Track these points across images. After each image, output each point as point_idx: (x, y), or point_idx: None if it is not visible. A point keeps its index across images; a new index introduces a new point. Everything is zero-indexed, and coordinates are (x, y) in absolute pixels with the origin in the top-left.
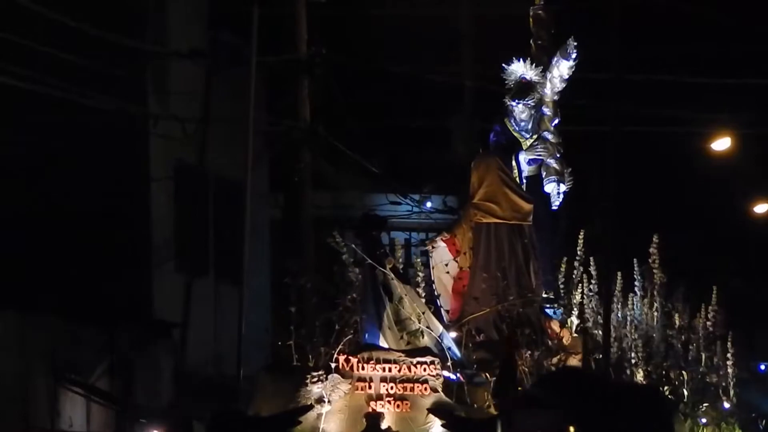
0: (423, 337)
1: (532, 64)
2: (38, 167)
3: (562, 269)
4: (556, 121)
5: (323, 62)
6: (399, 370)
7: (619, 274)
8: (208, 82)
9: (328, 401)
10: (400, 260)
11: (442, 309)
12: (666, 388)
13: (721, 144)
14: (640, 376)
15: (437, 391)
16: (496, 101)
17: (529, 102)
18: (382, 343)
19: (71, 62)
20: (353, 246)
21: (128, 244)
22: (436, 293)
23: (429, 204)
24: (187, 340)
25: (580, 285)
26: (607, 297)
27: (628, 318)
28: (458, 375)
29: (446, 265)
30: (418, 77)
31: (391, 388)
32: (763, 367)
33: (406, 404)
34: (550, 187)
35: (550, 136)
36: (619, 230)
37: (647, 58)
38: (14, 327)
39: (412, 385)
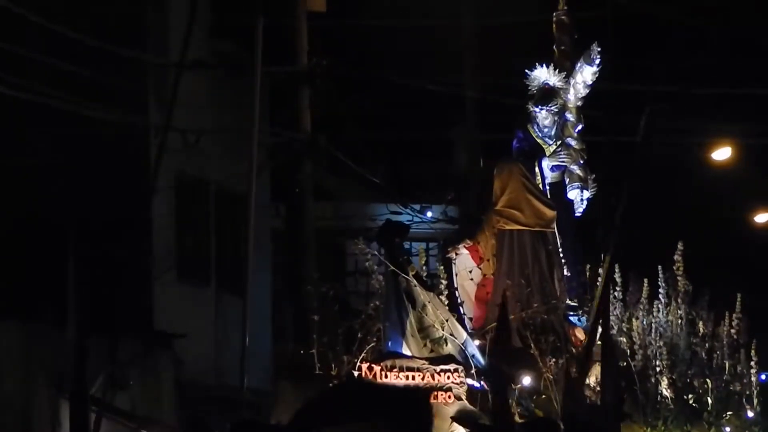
0: (446, 345)
1: (555, 69)
2: (40, 178)
3: (587, 276)
4: (580, 127)
5: (324, 73)
6: (422, 378)
7: (645, 281)
8: (209, 93)
9: None
10: (424, 268)
11: (465, 317)
12: (690, 396)
13: (722, 154)
14: (665, 384)
15: (461, 399)
16: (498, 112)
17: (552, 108)
18: (405, 351)
19: (72, 73)
20: (376, 253)
21: (130, 255)
22: (459, 301)
23: (429, 214)
24: (188, 351)
25: None
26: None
27: (654, 326)
28: (482, 383)
29: (470, 272)
30: (420, 87)
31: None
32: (764, 377)
33: None
34: (573, 194)
35: (573, 143)
36: (618, 238)
37: (652, 68)
38: (16, 337)
39: (435, 393)
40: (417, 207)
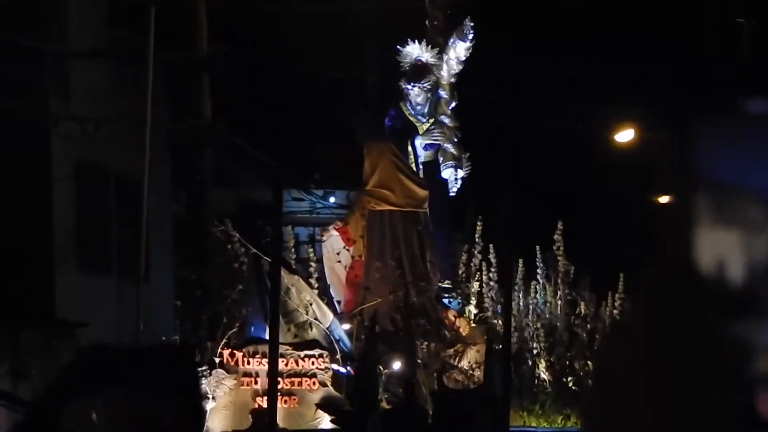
0: (311, 330)
1: (427, 45)
2: None
3: (463, 258)
4: (453, 105)
5: (223, 59)
6: (286, 364)
7: (521, 261)
8: (108, 81)
9: (213, 398)
10: (293, 252)
11: (334, 300)
12: (570, 378)
13: (625, 135)
14: (542, 367)
15: (326, 386)
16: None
17: (425, 85)
18: (268, 336)
19: None
20: (237, 235)
21: (30, 245)
22: (327, 283)
23: (332, 199)
24: (90, 340)
25: (478, 273)
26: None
27: (531, 307)
28: (348, 368)
29: (338, 254)
30: (320, 73)
31: (278, 383)
32: None
33: (294, 400)
34: (447, 173)
35: (447, 120)
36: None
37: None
38: None
39: (300, 379)
40: (320, 193)
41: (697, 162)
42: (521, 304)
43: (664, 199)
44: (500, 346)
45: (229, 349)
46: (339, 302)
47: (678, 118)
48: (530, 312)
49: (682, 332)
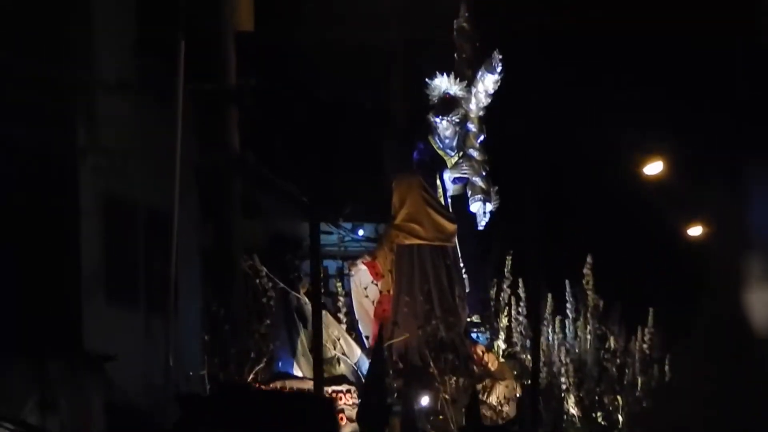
0: (339, 365)
1: (455, 78)
2: None
3: (491, 292)
4: (482, 138)
5: (252, 92)
6: None
7: (549, 296)
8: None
9: None
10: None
11: (362, 335)
12: (599, 414)
13: (654, 168)
14: (571, 402)
15: (354, 421)
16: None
17: (453, 118)
18: (296, 372)
19: None
20: (265, 270)
21: (57, 276)
22: (356, 318)
23: (361, 232)
24: (118, 373)
25: (507, 308)
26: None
27: (559, 342)
28: None
29: (365, 288)
30: (350, 104)
31: None
32: None
33: None
34: (476, 207)
35: (475, 154)
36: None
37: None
38: None
39: None
40: (348, 226)
41: (750, 211)
42: (550, 338)
43: (694, 231)
44: (528, 382)
45: (257, 385)
46: (367, 337)
47: (729, 163)
48: (559, 347)
49: (738, 386)
